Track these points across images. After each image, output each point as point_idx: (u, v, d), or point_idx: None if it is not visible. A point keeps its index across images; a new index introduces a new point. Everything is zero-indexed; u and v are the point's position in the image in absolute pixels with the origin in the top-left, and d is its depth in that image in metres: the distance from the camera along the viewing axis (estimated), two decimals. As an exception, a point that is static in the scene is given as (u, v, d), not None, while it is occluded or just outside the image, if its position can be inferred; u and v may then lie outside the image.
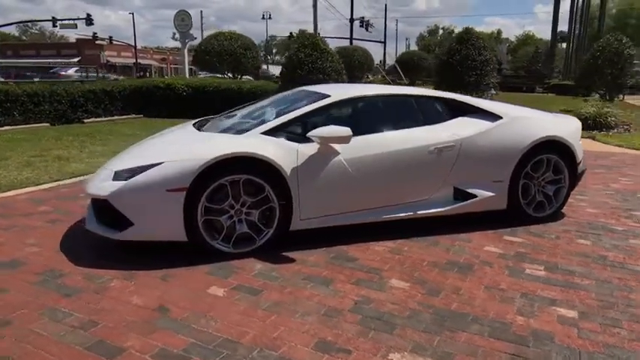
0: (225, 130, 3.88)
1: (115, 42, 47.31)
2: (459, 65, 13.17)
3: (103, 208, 3.38)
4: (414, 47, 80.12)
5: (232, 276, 3.08)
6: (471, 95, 13.68)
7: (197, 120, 4.57)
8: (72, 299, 2.74)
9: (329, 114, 3.76)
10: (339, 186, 3.55)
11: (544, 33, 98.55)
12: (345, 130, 3.38)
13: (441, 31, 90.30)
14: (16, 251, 3.43)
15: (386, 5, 51.32)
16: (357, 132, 3.52)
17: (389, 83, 23.76)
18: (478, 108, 4.17)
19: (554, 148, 4.08)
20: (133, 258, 3.31)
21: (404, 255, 3.47)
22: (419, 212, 3.83)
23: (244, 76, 18.88)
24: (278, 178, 3.36)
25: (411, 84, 31.72)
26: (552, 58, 40.86)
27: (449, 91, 14.34)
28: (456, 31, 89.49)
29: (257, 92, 11.97)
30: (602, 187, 5.60)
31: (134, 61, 47.25)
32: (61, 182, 5.48)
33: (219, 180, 3.24)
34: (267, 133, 3.53)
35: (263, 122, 3.71)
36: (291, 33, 39.62)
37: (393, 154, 3.69)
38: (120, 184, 3.26)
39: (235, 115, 4.46)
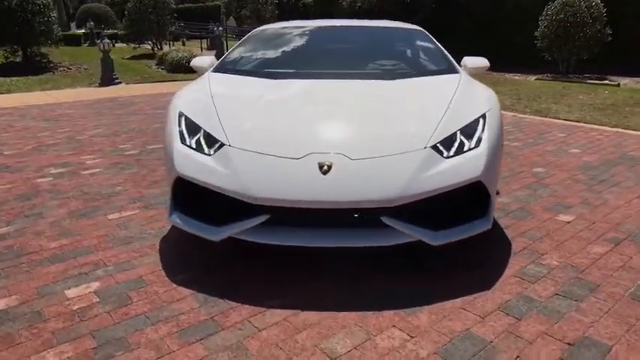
0: (364, 75, 3.32)
1: None
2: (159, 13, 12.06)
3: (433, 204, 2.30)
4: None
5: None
6: (163, 43, 13.87)
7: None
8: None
9: None
10: None
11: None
12: (486, 60, 3.66)
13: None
14: None
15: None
16: None
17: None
18: None
19: None
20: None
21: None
22: None
23: None
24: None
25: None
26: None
27: (148, 39, 14.01)
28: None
29: None
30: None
31: None
32: None
33: None
34: None
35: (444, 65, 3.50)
36: None
37: None
38: (477, 155, 2.42)
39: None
